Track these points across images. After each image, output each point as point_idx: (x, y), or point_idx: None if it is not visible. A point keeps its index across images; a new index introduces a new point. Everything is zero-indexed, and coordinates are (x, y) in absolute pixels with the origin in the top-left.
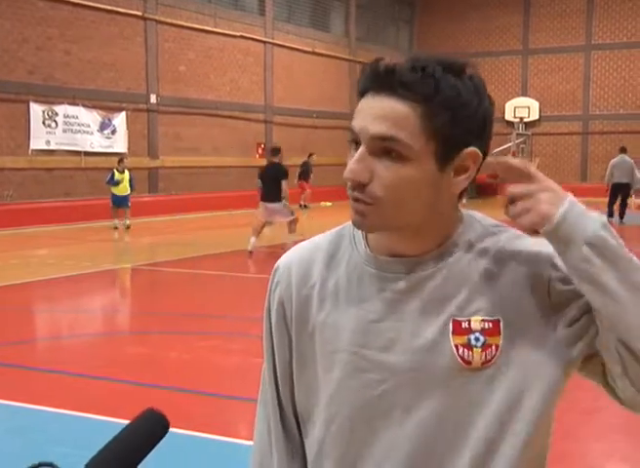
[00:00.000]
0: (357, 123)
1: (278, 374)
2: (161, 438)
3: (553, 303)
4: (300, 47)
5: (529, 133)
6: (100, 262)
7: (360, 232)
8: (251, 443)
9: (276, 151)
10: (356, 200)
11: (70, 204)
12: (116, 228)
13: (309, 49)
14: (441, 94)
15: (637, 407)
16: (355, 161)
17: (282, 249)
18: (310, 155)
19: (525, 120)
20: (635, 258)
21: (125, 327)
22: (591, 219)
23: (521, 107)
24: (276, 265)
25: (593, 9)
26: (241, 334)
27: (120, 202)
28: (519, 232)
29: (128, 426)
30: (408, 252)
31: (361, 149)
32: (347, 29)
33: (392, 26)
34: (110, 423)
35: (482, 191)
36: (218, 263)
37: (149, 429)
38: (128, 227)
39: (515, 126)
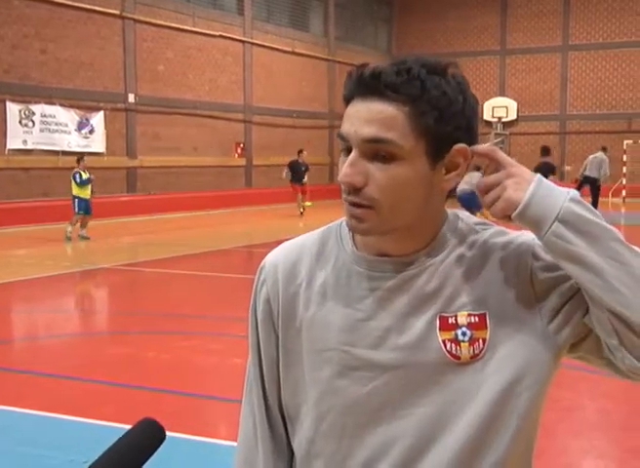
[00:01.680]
0: (346, 128)
1: (264, 372)
2: (157, 448)
3: (537, 293)
4: (279, 47)
5: (507, 132)
6: (79, 262)
7: (347, 231)
8: (229, 443)
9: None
10: (353, 204)
11: (48, 204)
12: (69, 239)
13: (288, 48)
14: (427, 93)
15: (637, 375)
16: (349, 165)
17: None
18: (300, 152)
19: (503, 120)
20: (613, 228)
21: (103, 327)
22: (560, 196)
23: (499, 107)
24: (262, 263)
25: (570, 10)
26: (220, 334)
27: (87, 207)
28: (503, 228)
29: (124, 436)
30: (396, 251)
31: (353, 153)
32: (326, 29)
33: (371, 26)
34: (87, 424)
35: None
36: (197, 263)
37: (146, 439)
38: (88, 238)
39: (494, 125)
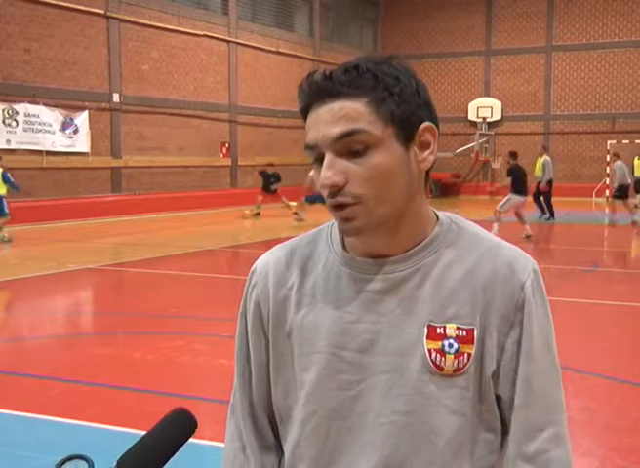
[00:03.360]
0: (313, 136)
1: (253, 375)
2: (188, 438)
3: (516, 320)
4: (264, 46)
5: (492, 132)
6: (64, 263)
7: (337, 233)
8: (215, 443)
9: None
10: (339, 206)
11: (32, 204)
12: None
13: (274, 48)
14: (381, 82)
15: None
16: (326, 168)
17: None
18: (270, 165)
19: (488, 120)
20: None
21: (89, 328)
22: None
23: (484, 107)
24: (253, 267)
25: (554, 11)
26: (206, 335)
27: (2, 207)
28: (499, 240)
29: (158, 425)
30: (385, 251)
31: (328, 156)
32: (312, 29)
33: (356, 26)
34: (72, 425)
35: (445, 190)
36: (182, 263)
37: (178, 428)
38: (9, 240)
39: (478, 126)
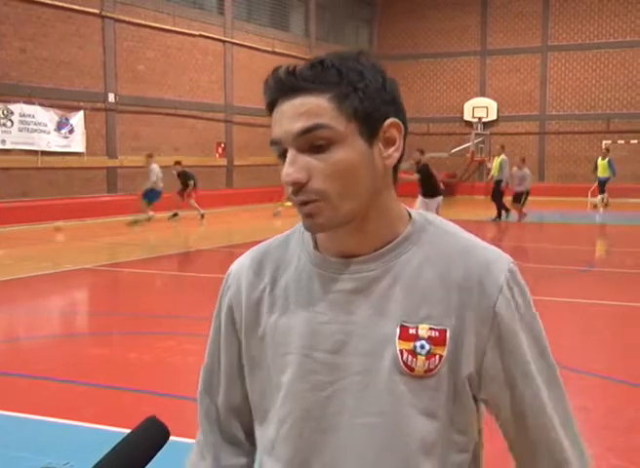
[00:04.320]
0: (277, 131)
1: (222, 379)
2: (161, 447)
3: (494, 322)
4: (259, 46)
5: (487, 132)
6: (59, 263)
7: (309, 234)
8: None
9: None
10: (303, 203)
11: (27, 204)
12: None
13: (269, 48)
14: (345, 77)
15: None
16: (288, 164)
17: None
18: (176, 163)
19: (483, 120)
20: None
21: (83, 328)
22: None
23: (479, 107)
24: (229, 270)
25: (549, 11)
26: (200, 335)
27: None
28: (475, 239)
29: (128, 435)
30: (355, 250)
31: (290, 152)
32: (307, 29)
33: (352, 26)
34: (66, 426)
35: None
36: (177, 263)
37: (149, 438)
38: None
39: (474, 126)
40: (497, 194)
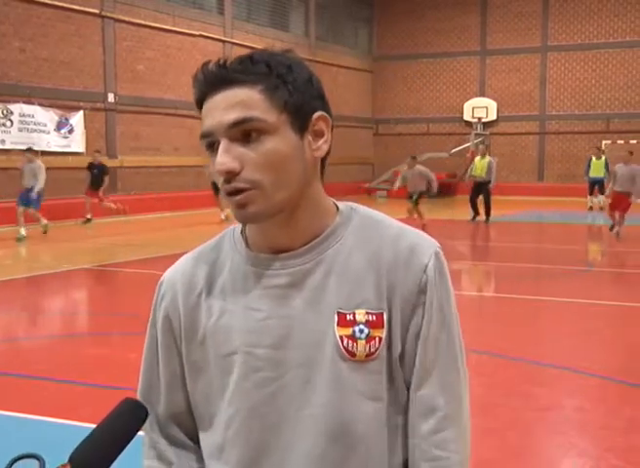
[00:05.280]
0: (209, 123)
1: (162, 387)
2: (140, 427)
3: (418, 302)
4: (259, 46)
5: (487, 132)
6: (59, 263)
7: (240, 233)
8: None
9: None
10: (234, 192)
11: None
12: None
13: (269, 48)
14: (274, 71)
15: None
16: (222, 153)
17: None
18: (96, 151)
19: (483, 120)
20: None
21: (83, 328)
22: None
23: (479, 107)
24: (161, 279)
25: (548, 11)
26: None
27: None
28: (401, 224)
29: (108, 416)
30: (286, 244)
31: (223, 142)
32: (307, 29)
33: (352, 26)
34: (65, 425)
35: (441, 190)
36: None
37: (129, 418)
38: None
39: (474, 126)
40: (477, 194)
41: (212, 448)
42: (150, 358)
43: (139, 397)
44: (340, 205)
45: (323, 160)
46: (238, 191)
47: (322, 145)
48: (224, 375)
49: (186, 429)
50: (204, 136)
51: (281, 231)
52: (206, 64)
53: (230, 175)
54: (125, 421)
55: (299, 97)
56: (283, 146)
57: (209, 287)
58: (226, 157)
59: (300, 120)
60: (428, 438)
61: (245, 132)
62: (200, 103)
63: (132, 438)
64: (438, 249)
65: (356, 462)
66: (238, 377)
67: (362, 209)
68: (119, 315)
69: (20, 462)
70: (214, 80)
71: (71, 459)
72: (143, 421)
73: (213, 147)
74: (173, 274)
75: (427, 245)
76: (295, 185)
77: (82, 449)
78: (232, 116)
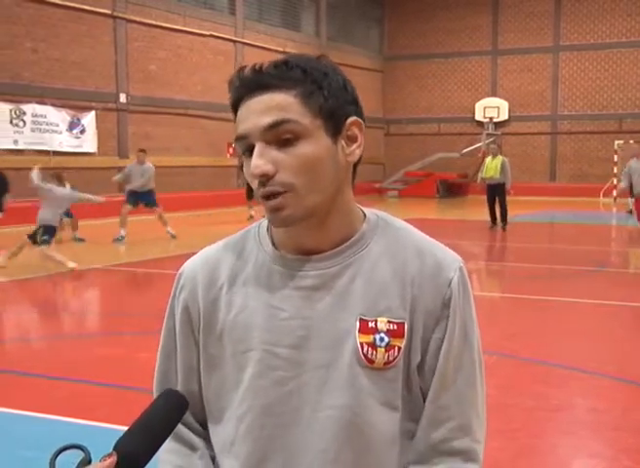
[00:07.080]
0: (244, 127)
1: (179, 377)
2: (182, 416)
3: (442, 316)
4: (270, 46)
5: (499, 132)
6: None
7: (265, 231)
8: None
9: None
10: (269, 196)
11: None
12: None
13: (280, 48)
14: (310, 76)
15: None
16: (257, 156)
17: None
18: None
19: (495, 120)
20: None
21: (96, 328)
22: None
23: (491, 107)
24: (181, 269)
25: (561, 10)
26: None
27: None
28: (427, 237)
29: (151, 406)
30: (314, 247)
31: (258, 145)
32: (318, 29)
33: (363, 26)
34: (79, 425)
35: (452, 190)
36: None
37: (172, 408)
38: None
39: (485, 126)
40: (493, 198)
41: (223, 442)
42: (168, 349)
43: (155, 387)
44: (367, 212)
45: (355, 166)
46: (273, 195)
47: (355, 150)
48: (239, 371)
49: (199, 421)
50: (239, 138)
51: (310, 234)
52: (242, 69)
53: (265, 178)
54: (168, 411)
55: (333, 103)
56: (317, 150)
57: (231, 281)
58: (261, 160)
59: (335, 125)
60: (439, 446)
61: (280, 135)
62: (235, 108)
63: (174, 428)
64: (462, 264)
65: (367, 466)
66: (253, 374)
67: (388, 217)
68: (134, 315)
69: (67, 452)
70: (250, 85)
71: (116, 448)
72: (184, 411)
73: (248, 151)
74: (194, 266)
75: (452, 259)
76: (328, 189)
77: (127, 439)
78: (268, 119)
